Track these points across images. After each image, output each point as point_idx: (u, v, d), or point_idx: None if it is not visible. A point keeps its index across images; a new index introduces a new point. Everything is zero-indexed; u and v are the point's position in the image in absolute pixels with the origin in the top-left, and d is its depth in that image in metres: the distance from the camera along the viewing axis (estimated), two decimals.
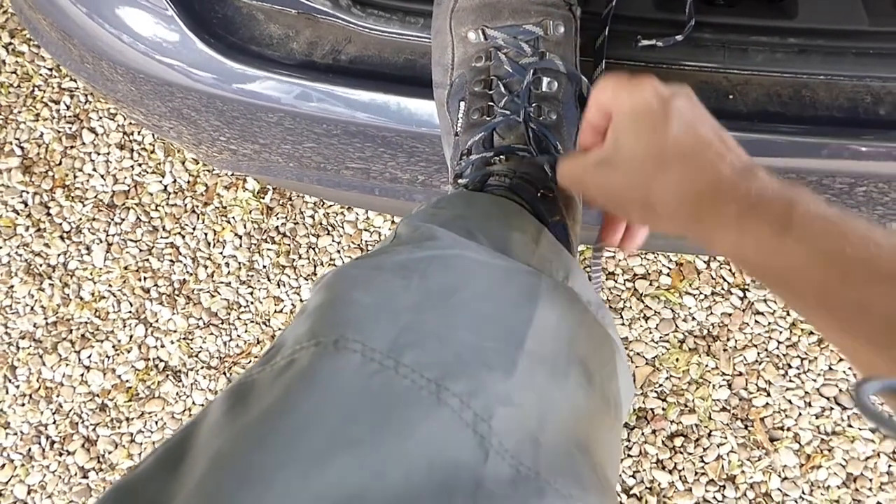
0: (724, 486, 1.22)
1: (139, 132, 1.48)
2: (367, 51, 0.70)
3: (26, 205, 1.46)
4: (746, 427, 1.24)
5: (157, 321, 1.39)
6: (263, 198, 1.42)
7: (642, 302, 1.30)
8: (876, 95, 0.65)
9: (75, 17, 0.79)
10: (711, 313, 1.29)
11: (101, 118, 1.49)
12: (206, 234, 1.42)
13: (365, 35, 0.69)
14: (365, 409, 0.33)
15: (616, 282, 1.32)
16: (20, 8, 0.93)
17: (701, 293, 1.30)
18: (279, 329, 1.37)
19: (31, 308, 1.42)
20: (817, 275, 0.37)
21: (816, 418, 1.24)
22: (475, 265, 0.44)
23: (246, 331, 1.37)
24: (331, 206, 1.40)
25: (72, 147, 1.48)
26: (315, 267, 1.38)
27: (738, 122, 0.65)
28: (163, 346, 1.38)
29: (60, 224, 1.44)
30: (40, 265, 1.43)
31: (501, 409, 0.37)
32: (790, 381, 1.25)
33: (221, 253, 1.41)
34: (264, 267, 1.39)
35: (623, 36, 0.65)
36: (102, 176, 1.46)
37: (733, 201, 0.40)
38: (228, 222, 1.42)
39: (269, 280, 1.39)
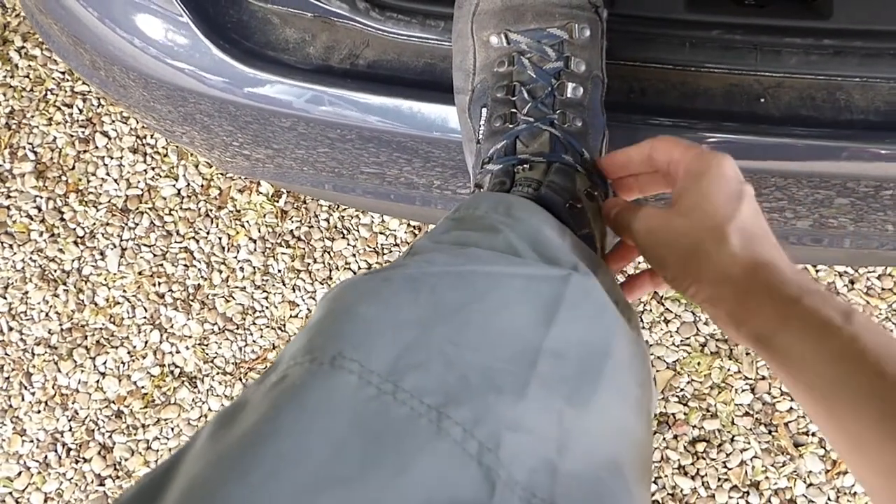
0: (747, 493, 1.20)
1: (152, 136, 1.47)
2: (385, 55, 0.68)
3: (40, 210, 1.45)
4: (770, 432, 1.22)
5: (171, 327, 1.38)
6: (278, 201, 1.41)
7: (662, 305, 1.28)
8: None
9: (87, 22, 0.78)
10: None
11: (113, 122, 1.48)
12: (220, 239, 1.41)
13: (383, 39, 0.67)
14: (357, 440, 0.30)
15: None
16: (31, 12, 0.92)
17: None
18: (295, 334, 1.36)
19: (46, 314, 1.41)
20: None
21: None
22: (490, 279, 0.42)
23: (261, 336, 1.36)
24: (345, 209, 1.39)
25: (85, 151, 1.47)
26: (330, 271, 1.37)
27: (769, 127, 0.63)
28: (178, 352, 1.37)
29: (74, 229, 1.44)
30: (55, 271, 1.42)
31: (511, 435, 0.33)
32: None
33: (236, 257, 1.40)
34: (279, 271, 1.38)
35: (652, 38, 0.63)
36: (116, 180, 1.45)
37: (794, 286, 0.40)
38: (243, 226, 1.41)
39: (284, 284, 1.37)
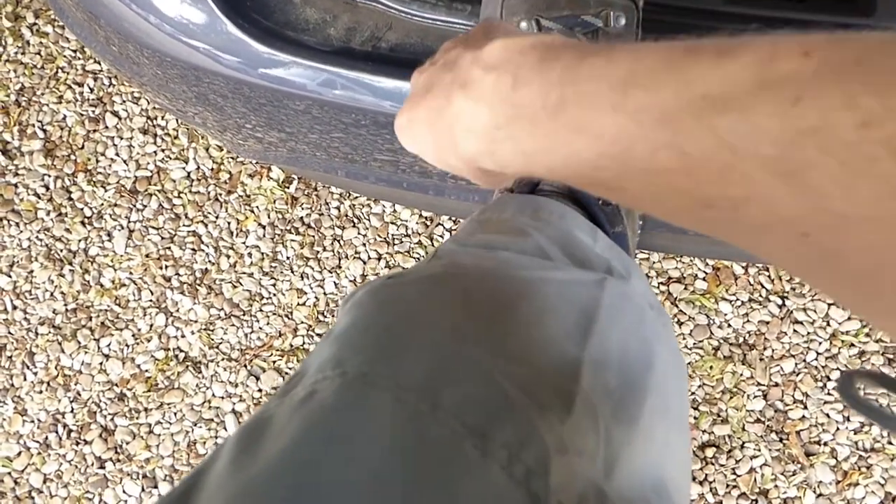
0: (756, 501, 1.18)
1: (163, 117, 1.45)
2: (408, 38, 0.66)
3: (48, 189, 1.43)
4: (781, 440, 1.20)
5: (177, 311, 1.37)
6: (288, 187, 1.39)
7: (676, 306, 1.26)
8: None
9: None
10: (748, 321, 1.24)
11: (124, 102, 1.46)
12: (229, 223, 1.39)
13: (407, 21, 0.65)
14: (397, 469, 0.27)
15: (650, 285, 1.27)
16: None
17: (738, 299, 1.25)
18: (301, 322, 1.34)
19: (51, 294, 1.39)
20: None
21: (855, 434, 1.19)
22: (524, 284, 0.39)
23: (268, 323, 1.34)
24: (357, 197, 1.37)
25: (94, 131, 1.45)
26: (340, 259, 1.35)
27: None
28: (183, 337, 1.36)
29: (82, 209, 1.42)
30: (61, 250, 1.41)
31: (559, 458, 0.30)
32: (828, 394, 1.20)
33: (244, 243, 1.38)
34: (288, 258, 1.36)
35: (689, 29, 0.60)
36: (125, 161, 1.43)
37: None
38: (252, 211, 1.39)
39: (292, 272, 1.36)
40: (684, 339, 1.25)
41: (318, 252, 1.36)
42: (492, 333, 0.34)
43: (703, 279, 1.27)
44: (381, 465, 0.27)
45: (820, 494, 1.17)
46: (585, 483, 0.31)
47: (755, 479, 1.19)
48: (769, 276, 1.25)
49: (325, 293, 1.34)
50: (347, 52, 0.67)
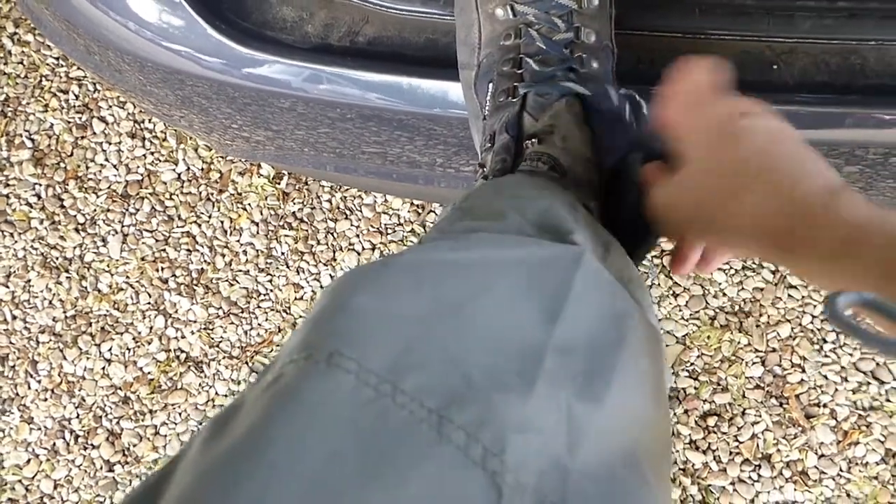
0: (759, 466, 1.19)
1: (150, 120, 1.45)
2: (386, 31, 0.66)
3: (39, 197, 1.44)
4: (781, 404, 1.21)
5: (176, 312, 1.38)
6: (279, 183, 1.39)
7: (671, 279, 1.27)
8: None
9: (79, 6, 0.76)
10: (743, 288, 1.25)
11: (110, 107, 1.46)
12: (222, 222, 1.40)
13: (383, 14, 0.66)
14: (354, 448, 0.28)
15: (644, 259, 1.28)
16: None
17: (731, 268, 1.26)
18: (300, 317, 1.35)
19: (50, 302, 1.40)
20: None
21: (853, 393, 1.20)
22: (498, 267, 0.39)
23: (266, 319, 1.35)
24: (348, 190, 1.37)
25: (83, 137, 1.45)
26: (334, 252, 1.36)
27: (783, 95, 0.62)
28: (183, 337, 1.37)
29: (75, 216, 1.42)
30: (56, 258, 1.41)
31: (517, 437, 0.31)
32: (825, 356, 1.22)
33: (238, 241, 1.39)
34: (282, 254, 1.37)
35: (661, 5, 0.61)
36: (115, 166, 1.44)
37: (827, 228, 0.38)
38: (244, 209, 1.40)
39: (287, 267, 1.36)
40: (680, 310, 1.26)
41: (312, 246, 1.37)
42: (459, 320, 0.35)
43: None
44: (339, 445, 0.28)
45: (822, 455, 1.19)
46: (546, 460, 0.32)
47: (757, 445, 1.20)
48: None
49: (321, 286, 1.35)
50: (326, 49, 0.67)
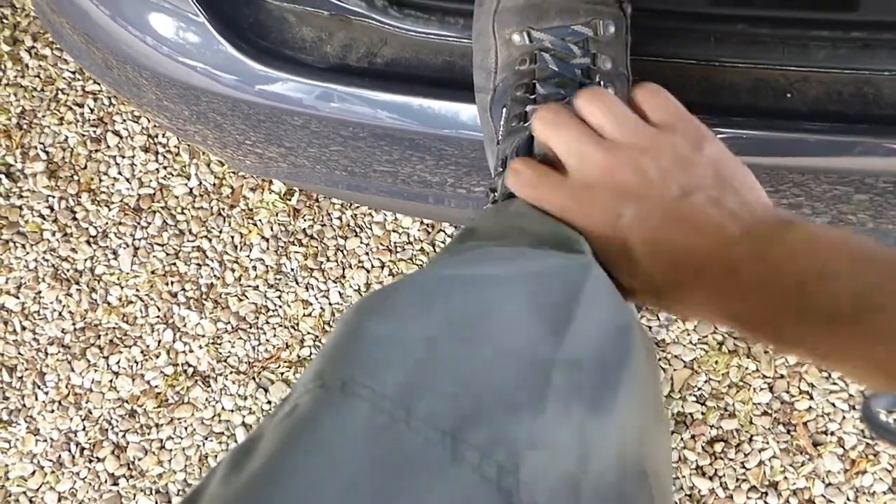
0: (766, 493, 1.18)
1: (164, 134, 1.46)
2: (403, 53, 0.67)
3: (52, 210, 1.45)
4: (789, 432, 1.21)
5: (185, 326, 1.38)
6: (290, 199, 1.40)
7: None
8: None
9: (99, 20, 0.77)
10: None
11: (125, 121, 1.48)
12: (232, 237, 1.40)
13: (401, 36, 0.67)
14: (370, 475, 0.28)
15: None
16: (43, 11, 0.91)
17: None
18: (308, 333, 1.35)
19: (59, 314, 1.41)
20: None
21: (861, 422, 1.19)
22: (506, 282, 0.40)
23: (275, 335, 1.35)
24: (358, 207, 1.38)
25: (96, 151, 1.47)
26: (343, 269, 1.36)
27: (796, 122, 0.62)
28: (191, 351, 1.37)
29: (87, 229, 1.43)
30: (67, 270, 1.42)
31: (530, 454, 0.31)
32: (833, 383, 1.21)
33: (248, 256, 1.39)
34: (292, 270, 1.37)
35: (676, 33, 0.61)
36: (128, 179, 1.45)
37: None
38: (255, 225, 1.40)
39: (297, 283, 1.37)
40: (688, 334, 1.25)
41: (321, 263, 1.37)
42: (467, 339, 0.35)
43: None
44: (355, 473, 0.28)
45: (829, 484, 1.18)
46: (558, 477, 0.32)
47: (764, 472, 1.19)
48: None
49: (330, 303, 1.35)
50: (344, 69, 0.68)
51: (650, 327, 1.26)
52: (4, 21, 1.54)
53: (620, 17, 0.57)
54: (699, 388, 1.23)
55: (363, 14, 0.66)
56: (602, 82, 0.56)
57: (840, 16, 0.61)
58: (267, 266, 1.38)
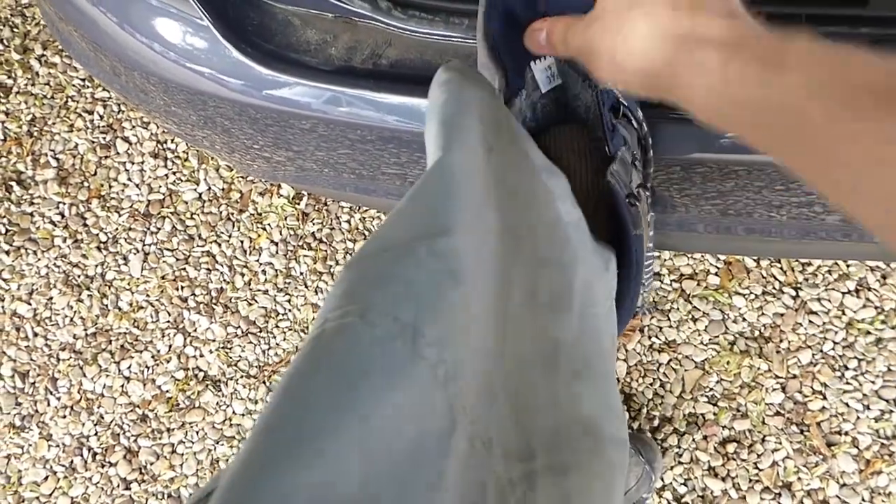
0: (779, 494, 1.17)
1: (172, 140, 1.47)
2: (408, 54, 0.67)
3: (63, 216, 1.46)
4: (802, 432, 1.19)
5: (195, 330, 1.38)
6: (298, 203, 1.40)
7: (690, 303, 1.26)
8: None
9: (107, 28, 0.78)
10: (763, 314, 1.24)
11: (134, 127, 1.48)
12: (241, 242, 1.41)
13: (406, 38, 0.66)
14: (342, 375, 0.31)
15: (662, 282, 1.28)
16: (51, 20, 0.92)
17: (751, 293, 1.25)
18: None
19: (71, 319, 1.41)
20: (814, 107, 0.30)
21: (875, 422, 1.18)
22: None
23: (284, 339, 1.36)
24: (367, 210, 1.38)
25: (106, 157, 1.48)
26: None
27: None
28: (202, 356, 1.37)
29: (97, 234, 1.44)
30: (78, 276, 1.43)
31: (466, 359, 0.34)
32: (847, 383, 1.20)
33: (258, 260, 1.39)
34: (301, 274, 1.38)
35: None
36: (137, 185, 1.46)
37: (713, 44, 0.36)
38: (264, 229, 1.41)
39: (306, 287, 1.37)
40: (699, 335, 1.25)
41: (330, 266, 1.37)
42: None
43: (716, 274, 1.27)
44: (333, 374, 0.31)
45: (843, 484, 1.17)
46: (480, 375, 0.35)
47: (778, 473, 1.18)
48: (781, 268, 1.25)
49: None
50: (349, 71, 0.68)
51: (660, 328, 1.25)
52: (15, 30, 1.55)
53: None
54: (711, 389, 1.23)
55: (367, 16, 0.66)
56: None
57: (849, 11, 0.60)
58: (276, 270, 1.39)
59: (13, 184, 1.47)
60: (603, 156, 0.56)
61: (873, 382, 1.20)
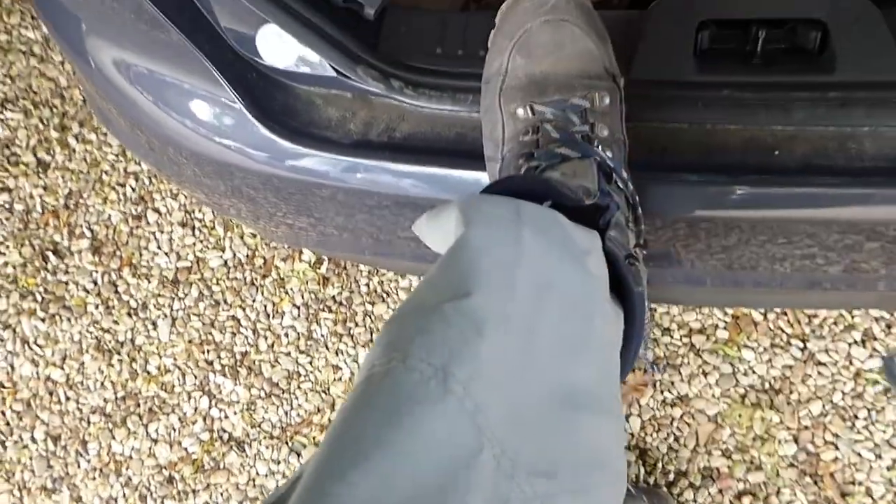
0: None
1: (200, 210, 1.54)
2: (420, 127, 0.73)
3: (96, 284, 1.53)
4: (816, 483, 1.21)
5: (220, 393, 1.43)
6: (319, 268, 1.46)
7: (700, 357, 1.29)
8: None
9: (144, 107, 0.85)
10: (772, 366, 1.27)
11: (164, 198, 1.57)
12: (265, 306, 1.47)
13: (418, 112, 0.73)
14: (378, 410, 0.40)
15: (672, 337, 1.31)
16: (92, 98, 1.00)
17: (759, 346, 1.28)
18: (339, 397, 1.39)
19: (102, 384, 1.47)
20: None
21: (888, 470, 1.20)
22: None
23: (306, 400, 1.40)
24: (384, 273, 1.44)
25: (137, 227, 1.56)
26: (371, 334, 1.41)
27: (786, 177, 0.67)
28: (226, 418, 1.42)
29: (128, 301, 1.51)
30: (109, 341, 1.49)
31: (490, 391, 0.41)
32: (858, 432, 1.22)
33: (280, 323, 1.45)
34: (322, 336, 1.43)
35: (667, 100, 0.67)
36: (167, 253, 1.53)
37: None
38: (286, 293, 1.47)
39: (327, 349, 1.42)
40: (710, 388, 1.27)
41: (350, 328, 1.42)
42: None
43: (724, 328, 1.30)
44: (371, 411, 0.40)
45: None
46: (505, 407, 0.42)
47: None
48: (788, 321, 1.29)
49: (359, 367, 1.40)
50: (367, 144, 0.74)
51: (672, 382, 1.29)
52: (54, 110, 1.66)
53: (615, 89, 0.63)
54: (724, 442, 1.25)
55: (382, 94, 0.73)
56: (601, 147, 0.61)
57: (818, 78, 0.66)
58: (298, 333, 1.44)
59: (50, 253, 1.55)
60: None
61: (884, 432, 1.21)
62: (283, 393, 1.41)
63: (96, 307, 1.51)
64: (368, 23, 0.73)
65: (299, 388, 1.41)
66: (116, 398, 1.46)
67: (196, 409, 1.43)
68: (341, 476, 0.36)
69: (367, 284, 1.44)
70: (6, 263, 1.57)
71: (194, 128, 0.82)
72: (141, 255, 1.54)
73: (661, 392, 1.29)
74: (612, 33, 0.65)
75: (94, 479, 1.41)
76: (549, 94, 0.62)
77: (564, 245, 0.51)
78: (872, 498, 1.19)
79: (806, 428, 1.23)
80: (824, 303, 1.13)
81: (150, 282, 1.51)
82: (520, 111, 0.62)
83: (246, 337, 1.45)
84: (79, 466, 1.43)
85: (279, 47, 0.72)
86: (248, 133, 0.78)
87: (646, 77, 0.67)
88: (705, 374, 1.28)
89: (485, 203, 0.52)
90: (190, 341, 1.47)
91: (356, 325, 1.42)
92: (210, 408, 1.42)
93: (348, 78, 0.71)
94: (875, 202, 0.67)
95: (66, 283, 1.54)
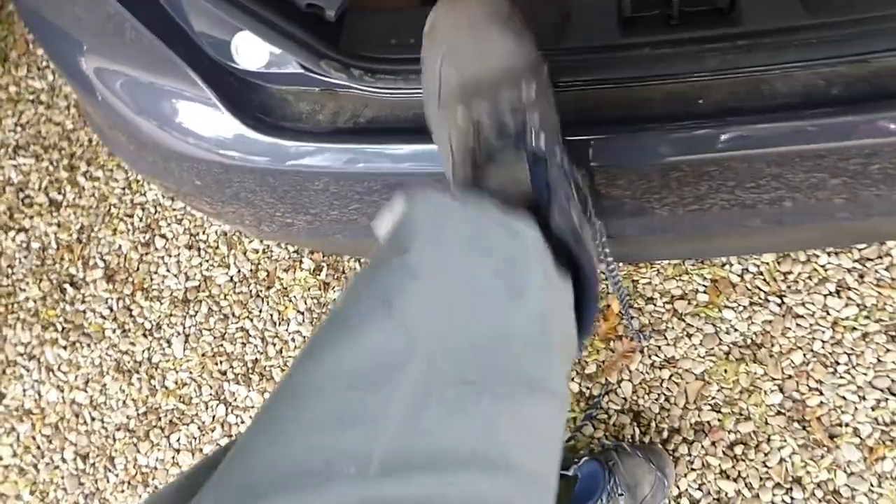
0: (790, 489, 1.24)
1: (204, 231, 1.64)
2: (381, 111, 0.82)
3: (111, 310, 1.62)
4: (804, 428, 1.27)
5: (235, 400, 1.51)
6: (319, 274, 1.55)
7: (683, 321, 1.36)
8: (827, 79, 0.74)
9: (147, 129, 0.93)
10: (752, 323, 1.34)
11: (169, 224, 1.66)
12: (271, 315, 1.55)
13: (378, 99, 0.82)
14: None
15: (655, 305, 1.38)
16: (100, 128, 1.09)
17: (739, 305, 1.35)
18: None
19: (123, 402, 1.55)
20: None
21: (873, 410, 1.25)
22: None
23: None
24: None
25: (147, 253, 1.65)
26: None
27: (708, 121, 0.75)
28: (243, 422, 1.49)
29: (142, 323, 1.60)
30: (128, 362, 1.58)
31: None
32: (840, 377, 1.28)
33: (287, 330, 1.53)
34: None
35: (595, 62, 0.76)
36: (175, 275, 1.62)
37: None
38: (290, 301, 1.55)
39: None
40: (696, 349, 1.34)
41: None
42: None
43: (704, 292, 1.37)
44: None
45: (851, 473, 1.23)
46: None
47: (786, 469, 1.25)
48: (765, 280, 1.35)
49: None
50: (336, 131, 0.83)
51: (659, 347, 1.35)
52: (62, 152, 1.77)
53: (541, 76, 0.67)
54: (713, 397, 1.31)
55: (346, 85, 0.81)
56: (534, 135, 0.67)
57: (727, 30, 0.74)
58: (304, 337, 1.52)
59: (67, 286, 1.65)
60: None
61: (865, 374, 1.27)
62: None
63: (113, 331, 1.60)
64: (330, 23, 0.82)
65: None
66: (138, 414, 1.54)
67: (214, 417, 1.51)
68: (309, 356, 0.50)
69: None
70: (27, 298, 1.66)
71: (196, 143, 0.90)
72: (152, 279, 1.63)
73: (649, 357, 1.35)
74: (542, 12, 0.74)
75: (122, 491, 1.49)
76: (482, 96, 0.66)
77: (495, 217, 0.59)
78: (860, 437, 1.24)
79: (790, 377, 1.30)
80: (771, 244, 1.19)
81: (161, 303, 1.60)
82: (459, 116, 0.67)
83: (255, 346, 1.53)
84: (108, 481, 1.51)
85: (251, 51, 0.81)
86: (226, 130, 0.86)
87: (574, 45, 0.76)
88: (689, 336, 1.35)
89: (426, 192, 0.60)
90: (203, 355, 1.55)
91: None
92: (227, 415, 1.50)
93: (314, 73, 0.80)
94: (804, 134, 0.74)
95: (84, 312, 1.63)
